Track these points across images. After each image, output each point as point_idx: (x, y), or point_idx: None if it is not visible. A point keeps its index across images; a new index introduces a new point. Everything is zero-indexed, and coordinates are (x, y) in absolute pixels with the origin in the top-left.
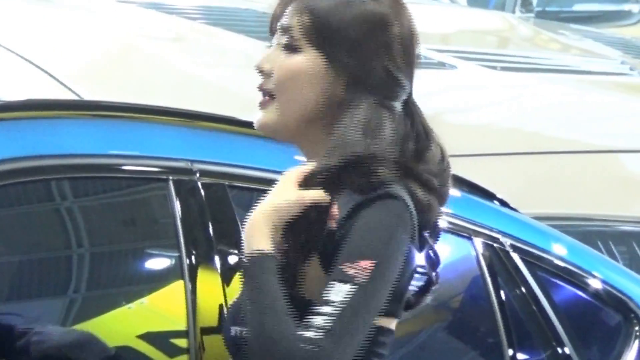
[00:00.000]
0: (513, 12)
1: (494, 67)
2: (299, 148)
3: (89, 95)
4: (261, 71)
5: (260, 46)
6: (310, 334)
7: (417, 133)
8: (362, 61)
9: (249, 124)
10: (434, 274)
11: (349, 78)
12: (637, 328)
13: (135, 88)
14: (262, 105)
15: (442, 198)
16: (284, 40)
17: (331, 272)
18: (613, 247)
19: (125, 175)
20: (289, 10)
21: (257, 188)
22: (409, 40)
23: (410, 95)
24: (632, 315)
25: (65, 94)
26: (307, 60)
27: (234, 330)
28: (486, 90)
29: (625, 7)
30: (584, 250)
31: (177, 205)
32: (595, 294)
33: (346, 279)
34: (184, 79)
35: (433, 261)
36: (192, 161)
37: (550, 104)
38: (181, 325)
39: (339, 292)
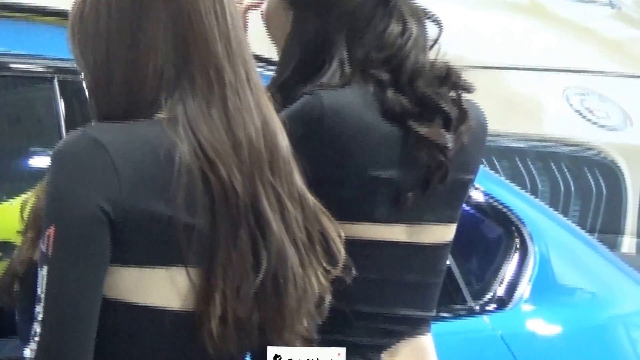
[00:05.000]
0: None
1: None
2: None
3: None
4: None
5: None
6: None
7: None
8: None
9: None
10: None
11: None
12: (517, 241)
13: None
14: None
15: None
16: None
17: None
18: (496, 162)
19: (10, 73)
20: None
21: None
22: None
23: None
24: (513, 228)
25: None
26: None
27: None
28: None
29: None
30: None
31: (62, 105)
32: (477, 206)
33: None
34: None
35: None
36: None
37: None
38: None
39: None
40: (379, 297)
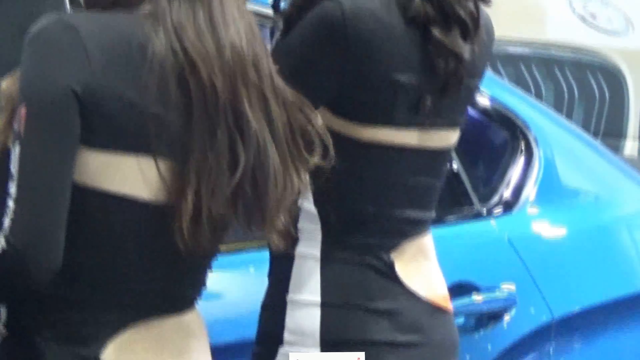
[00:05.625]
0: None
1: None
2: None
3: None
4: None
5: None
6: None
7: None
8: None
9: None
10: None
11: None
12: (522, 144)
13: None
14: None
15: None
16: None
17: None
18: (501, 68)
19: None
20: None
21: None
22: None
23: None
24: (519, 132)
25: None
26: None
27: None
28: None
29: None
30: None
31: None
32: (484, 111)
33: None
34: None
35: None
36: None
37: None
38: None
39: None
40: (391, 199)
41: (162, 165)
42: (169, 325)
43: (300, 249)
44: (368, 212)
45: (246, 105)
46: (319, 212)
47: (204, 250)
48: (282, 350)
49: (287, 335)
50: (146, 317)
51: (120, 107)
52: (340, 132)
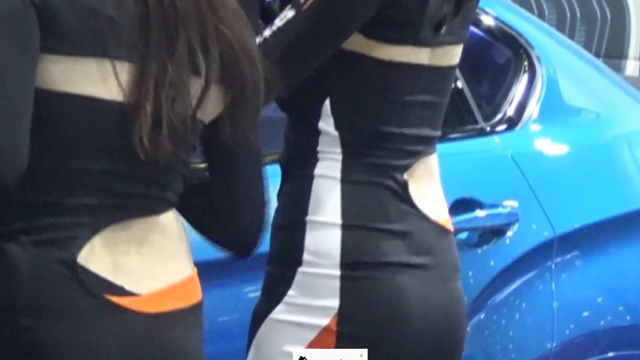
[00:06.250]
0: None
1: None
2: None
3: None
4: None
5: None
6: None
7: None
8: None
9: None
10: None
11: None
12: (526, 63)
13: None
14: None
15: None
16: None
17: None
18: None
19: None
20: None
21: None
22: None
23: None
24: (522, 50)
25: None
26: None
27: None
28: None
29: None
30: None
31: None
32: (487, 30)
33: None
34: None
35: None
36: None
37: None
38: None
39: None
40: (406, 119)
41: (123, 67)
42: (144, 226)
43: (320, 170)
44: (387, 132)
45: (208, 18)
46: (340, 134)
47: (164, 158)
48: (300, 270)
49: (306, 256)
50: (122, 219)
51: (76, 11)
52: (365, 53)
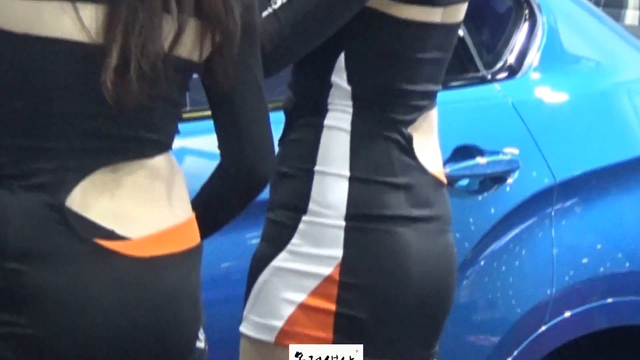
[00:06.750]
0: None
1: None
2: None
3: None
4: None
5: None
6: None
7: None
8: None
9: None
10: None
11: None
12: (526, 11)
13: None
14: None
15: None
16: None
17: None
18: None
19: None
20: None
21: None
22: None
23: None
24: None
25: None
26: None
27: None
28: None
29: None
30: None
31: None
32: None
33: None
34: None
35: None
36: None
37: None
38: None
39: None
40: (416, 76)
41: (85, 10)
42: (135, 169)
43: (330, 121)
44: (397, 87)
45: None
46: (352, 88)
47: (132, 100)
48: (305, 218)
49: (312, 205)
50: (111, 163)
51: None
52: (385, 12)
